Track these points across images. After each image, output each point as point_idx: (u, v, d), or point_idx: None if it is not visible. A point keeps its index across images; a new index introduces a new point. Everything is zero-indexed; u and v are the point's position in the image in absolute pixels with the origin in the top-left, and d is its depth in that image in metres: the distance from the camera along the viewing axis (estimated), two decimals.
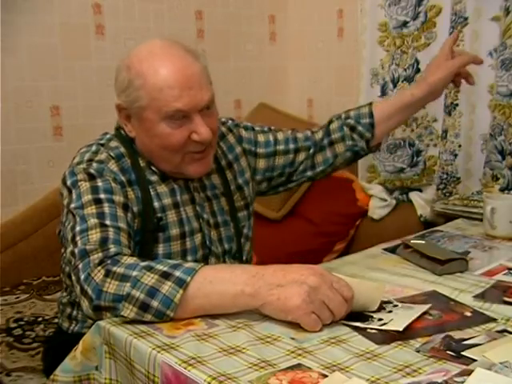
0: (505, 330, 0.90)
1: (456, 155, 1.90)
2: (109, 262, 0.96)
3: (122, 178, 1.14)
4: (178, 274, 0.92)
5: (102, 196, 1.08)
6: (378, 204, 2.09)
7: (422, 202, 2.01)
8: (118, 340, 0.90)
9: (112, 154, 1.16)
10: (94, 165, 1.13)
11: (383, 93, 2.04)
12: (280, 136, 1.39)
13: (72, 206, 1.08)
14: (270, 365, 0.79)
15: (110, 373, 0.93)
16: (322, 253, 2.10)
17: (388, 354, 0.83)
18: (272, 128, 1.42)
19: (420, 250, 1.26)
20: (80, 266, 0.98)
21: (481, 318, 0.95)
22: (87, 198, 1.08)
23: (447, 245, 1.39)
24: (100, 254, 0.98)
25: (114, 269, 0.95)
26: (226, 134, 1.33)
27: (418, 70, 1.96)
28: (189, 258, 1.18)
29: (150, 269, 0.93)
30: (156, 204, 1.16)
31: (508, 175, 1.75)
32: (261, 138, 1.37)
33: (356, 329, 0.91)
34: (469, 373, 0.73)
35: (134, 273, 0.93)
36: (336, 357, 0.82)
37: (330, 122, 1.42)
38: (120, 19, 2.26)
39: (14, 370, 1.44)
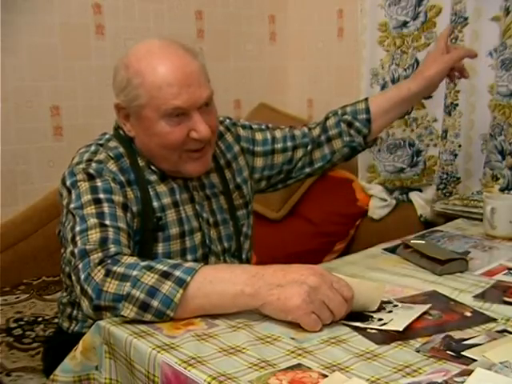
0: (505, 330, 0.90)
1: (456, 155, 1.90)
2: (109, 261, 0.96)
3: (121, 178, 1.14)
4: (178, 273, 0.92)
5: (102, 196, 1.08)
6: (378, 204, 2.09)
7: (421, 202, 2.01)
8: (118, 340, 0.90)
9: (111, 154, 1.16)
10: (93, 165, 1.13)
11: None
12: (278, 134, 1.39)
13: (71, 206, 1.08)
14: (270, 365, 0.79)
15: (110, 373, 0.93)
16: (322, 253, 2.10)
17: (388, 354, 0.83)
18: (270, 126, 1.42)
19: (420, 250, 1.26)
20: (80, 265, 0.98)
21: (481, 318, 0.95)
22: (87, 198, 1.08)
23: (447, 245, 1.39)
24: (100, 254, 0.98)
25: (114, 268, 0.95)
26: (224, 133, 1.33)
27: None
28: (188, 257, 1.18)
29: (150, 268, 0.93)
30: (155, 204, 1.16)
31: (508, 175, 1.75)
32: (258, 136, 1.37)
33: (356, 329, 0.91)
34: (469, 373, 0.73)
35: (134, 272, 0.93)
36: (336, 357, 0.82)
37: (327, 118, 1.42)
38: (120, 19, 2.26)
39: (14, 370, 1.44)
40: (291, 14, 2.71)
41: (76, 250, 1.00)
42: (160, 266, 0.94)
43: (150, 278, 0.92)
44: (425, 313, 0.96)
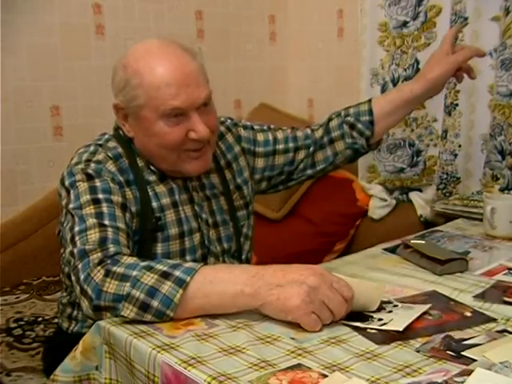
0: (505, 330, 0.90)
1: (456, 155, 1.90)
2: (108, 261, 0.96)
3: (120, 178, 1.14)
4: (177, 273, 0.92)
5: (101, 196, 1.08)
6: (378, 204, 2.09)
7: (421, 202, 2.01)
8: (118, 340, 0.90)
9: (110, 154, 1.16)
10: (92, 165, 1.13)
11: (383, 93, 2.04)
12: (279, 135, 1.39)
13: (70, 206, 1.08)
14: (270, 365, 0.79)
15: (110, 373, 0.93)
16: (322, 253, 2.10)
17: (388, 354, 0.83)
18: (271, 127, 1.41)
19: (420, 250, 1.26)
20: (79, 266, 0.98)
21: (481, 318, 0.95)
22: (85, 198, 1.08)
23: (447, 245, 1.39)
24: (99, 254, 0.98)
25: (114, 269, 0.95)
26: (225, 133, 1.33)
27: (418, 70, 1.96)
28: (188, 257, 1.18)
29: (149, 269, 0.93)
30: (154, 204, 1.16)
31: (508, 175, 1.75)
32: (260, 137, 1.37)
33: (356, 329, 0.91)
34: (469, 373, 0.73)
35: (134, 272, 0.93)
36: (336, 357, 0.82)
37: (330, 119, 1.41)
38: (120, 19, 2.26)
39: (14, 370, 1.44)
40: (291, 14, 2.71)
41: (75, 251, 1.00)
42: (160, 266, 0.94)
43: (149, 279, 0.92)
44: (425, 313, 0.96)
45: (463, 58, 1.37)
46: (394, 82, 2.00)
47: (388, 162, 2.07)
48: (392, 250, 1.35)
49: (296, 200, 2.23)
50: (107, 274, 0.94)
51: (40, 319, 1.72)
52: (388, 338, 0.88)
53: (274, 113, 2.52)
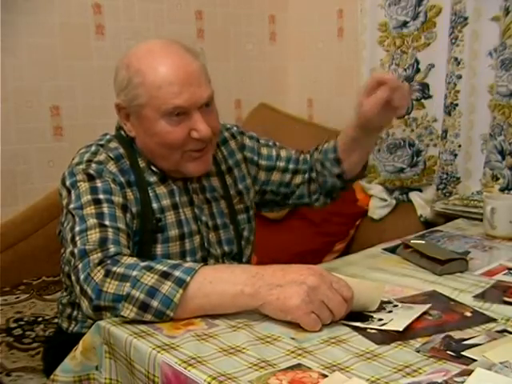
0: (505, 330, 0.90)
1: (456, 155, 1.90)
2: (108, 262, 0.96)
3: (121, 179, 1.14)
4: (177, 273, 0.92)
5: (101, 196, 1.08)
6: (378, 204, 2.09)
7: (421, 202, 2.01)
8: (118, 340, 0.90)
9: (111, 154, 1.16)
10: (93, 166, 1.13)
11: None
12: (283, 153, 1.37)
13: (71, 206, 1.08)
14: (270, 365, 0.79)
15: (110, 373, 0.93)
16: (322, 253, 2.10)
17: (388, 354, 0.83)
18: (277, 144, 1.39)
19: (420, 250, 1.26)
20: (80, 266, 0.98)
21: (481, 318, 0.95)
22: (86, 198, 1.08)
23: (447, 245, 1.39)
24: (100, 254, 0.98)
25: (114, 269, 0.95)
26: (229, 139, 1.33)
27: (418, 70, 1.97)
28: (188, 259, 1.18)
29: (149, 269, 0.93)
30: (155, 205, 1.16)
31: (508, 175, 1.75)
32: (264, 150, 1.36)
33: (356, 329, 0.91)
34: (469, 373, 0.73)
35: (134, 273, 0.93)
36: (336, 357, 0.82)
37: (311, 155, 1.38)
38: (120, 19, 2.26)
39: (14, 370, 1.44)
40: (291, 14, 2.71)
41: (76, 250, 1.00)
42: (160, 267, 0.94)
43: (149, 279, 0.92)
44: (425, 313, 0.96)
45: (383, 92, 1.16)
46: None
47: (388, 162, 2.07)
48: (392, 250, 1.35)
49: None
50: (107, 274, 0.94)
51: (40, 319, 1.72)
52: (388, 338, 0.88)
53: (273, 113, 2.53)
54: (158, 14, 2.35)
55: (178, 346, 0.85)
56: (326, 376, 0.76)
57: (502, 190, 1.76)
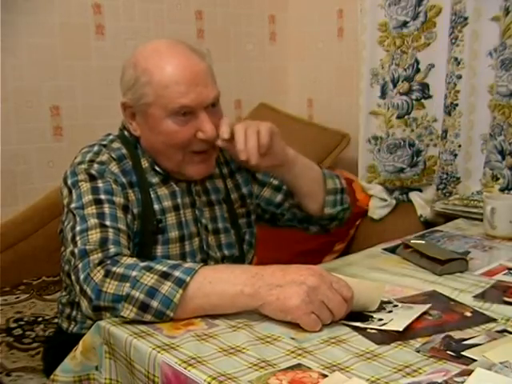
0: (505, 330, 0.90)
1: (456, 155, 1.90)
2: (108, 262, 0.96)
3: (123, 180, 1.14)
4: (177, 273, 0.92)
5: (103, 197, 1.08)
6: (378, 204, 2.09)
7: (421, 202, 2.01)
8: (118, 340, 0.90)
9: (113, 155, 1.16)
10: (95, 166, 1.12)
11: (383, 93, 2.04)
12: None
13: (72, 205, 1.08)
14: (270, 365, 0.79)
15: (110, 373, 0.93)
16: (322, 253, 2.10)
17: (388, 354, 0.83)
18: None
19: (420, 250, 1.26)
20: (80, 265, 0.98)
21: (481, 318, 0.95)
22: (88, 198, 1.08)
23: (447, 245, 1.39)
24: (100, 255, 0.98)
25: (114, 269, 0.95)
26: None
27: (418, 70, 1.97)
28: (188, 261, 1.18)
29: (149, 269, 0.93)
30: (156, 206, 1.16)
31: (508, 175, 1.75)
32: None
33: (356, 329, 0.91)
34: (469, 373, 0.73)
35: (134, 273, 0.93)
36: (336, 357, 0.82)
37: None
38: (120, 19, 2.26)
39: (14, 370, 1.44)
40: (291, 13, 2.72)
41: (76, 250, 1.00)
42: (159, 267, 0.94)
43: (149, 279, 0.92)
44: (425, 313, 0.96)
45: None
46: (394, 82, 2.00)
47: (388, 162, 2.07)
48: (392, 250, 1.35)
49: None
50: (107, 274, 0.94)
51: (40, 319, 1.73)
52: (388, 338, 0.88)
53: (273, 113, 2.52)
54: (158, 13, 2.35)
55: (178, 346, 0.85)
56: (326, 376, 0.76)
57: (502, 190, 1.76)
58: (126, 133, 1.21)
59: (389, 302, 1.00)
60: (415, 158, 2.03)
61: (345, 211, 1.33)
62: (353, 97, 2.28)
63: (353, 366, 0.79)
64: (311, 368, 0.78)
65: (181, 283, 0.91)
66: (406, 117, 2.00)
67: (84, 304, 0.96)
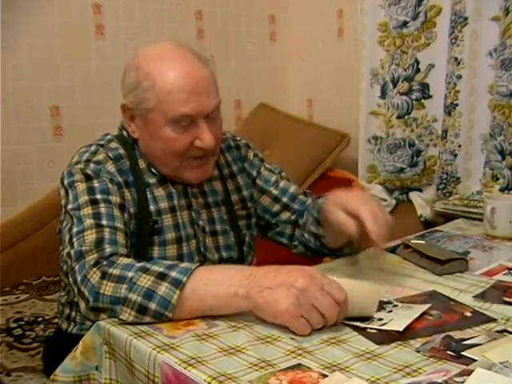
0: (505, 330, 0.90)
1: (456, 155, 1.90)
2: (104, 263, 0.96)
3: (120, 179, 1.13)
4: (173, 274, 0.92)
5: (99, 197, 1.08)
6: None
7: (422, 202, 2.01)
8: (118, 340, 0.90)
9: (110, 154, 1.15)
10: (91, 165, 1.12)
11: (383, 93, 2.04)
12: (282, 183, 1.32)
13: (69, 207, 1.08)
14: (270, 365, 0.79)
15: (110, 373, 0.93)
16: None
17: (388, 354, 0.83)
18: (282, 174, 1.35)
19: (420, 250, 1.26)
20: (76, 267, 0.98)
21: (481, 318, 0.95)
22: (84, 199, 1.08)
23: (447, 245, 1.39)
24: (95, 255, 0.98)
25: (110, 270, 0.95)
26: (234, 147, 1.31)
27: (418, 70, 1.97)
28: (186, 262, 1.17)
29: (145, 270, 0.93)
30: (152, 207, 1.16)
31: (508, 175, 1.75)
32: (265, 172, 1.32)
33: (356, 329, 0.91)
34: (469, 373, 0.73)
35: (130, 274, 0.93)
36: (336, 357, 0.82)
37: (313, 201, 1.32)
38: (120, 19, 2.26)
39: (14, 370, 1.44)
40: (291, 13, 2.71)
41: (72, 252, 1.00)
42: (156, 268, 0.93)
43: (146, 281, 0.92)
44: (425, 313, 0.96)
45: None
46: (394, 82, 2.00)
47: (388, 162, 2.07)
48: (392, 250, 1.35)
49: None
50: (103, 276, 0.94)
51: (40, 319, 1.72)
52: (388, 338, 0.88)
53: (273, 113, 2.52)
54: (158, 14, 2.35)
55: (177, 346, 0.85)
56: (326, 376, 0.76)
57: (502, 190, 1.76)
58: (124, 133, 1.21)
59: (389, 302, 1.00)
60: (415, 158, 2.03)
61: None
62: (353, 97, 2.28)
63: (353, 365, 0.79)
64: (311, 368, 0.78)
65: (177, 284, 0.91)
66: (406, 117, 2.00)
67: (82, 305, 0.96)
